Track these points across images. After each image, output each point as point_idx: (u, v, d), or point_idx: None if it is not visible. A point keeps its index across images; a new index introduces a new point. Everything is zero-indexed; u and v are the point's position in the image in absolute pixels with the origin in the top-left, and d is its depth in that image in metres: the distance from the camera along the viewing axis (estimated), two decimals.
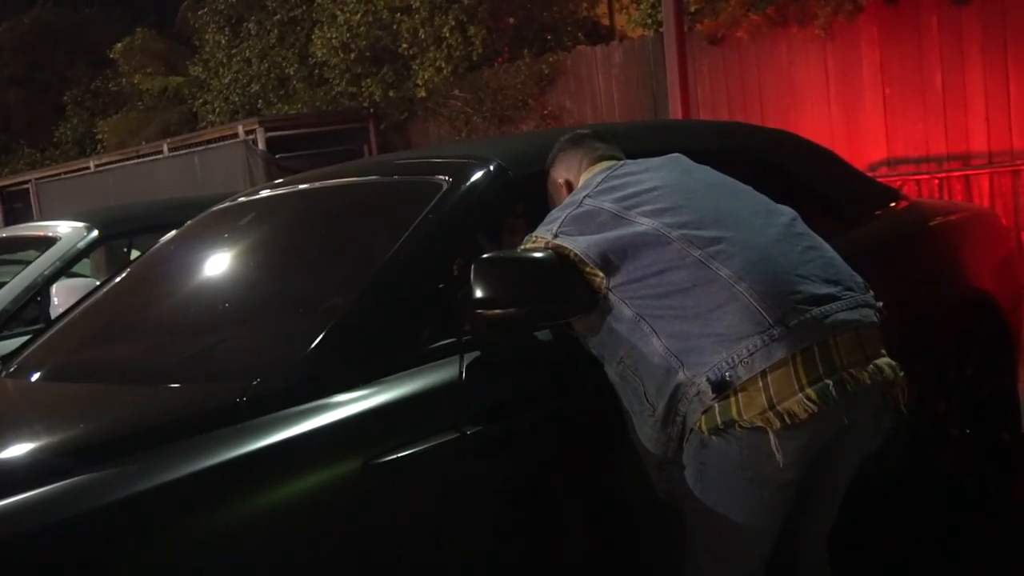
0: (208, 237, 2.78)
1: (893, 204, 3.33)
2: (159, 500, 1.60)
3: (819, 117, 7.38)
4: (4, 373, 2.47)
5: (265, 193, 2.90)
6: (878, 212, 3.23)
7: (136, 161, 12.73)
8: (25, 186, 14.64)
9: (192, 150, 11.80)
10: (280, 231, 2.68)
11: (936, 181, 6.66)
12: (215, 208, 2.95)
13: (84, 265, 4.56)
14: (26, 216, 13.80)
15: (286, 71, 12.30)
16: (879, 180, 3.99)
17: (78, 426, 1.91)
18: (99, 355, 2.47)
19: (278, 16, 12.17)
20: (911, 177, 6.72)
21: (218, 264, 2.64)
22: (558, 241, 2.01)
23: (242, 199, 2.92)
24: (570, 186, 2.25)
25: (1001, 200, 6.45)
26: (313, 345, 1.95)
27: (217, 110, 13.32)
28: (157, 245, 2.94)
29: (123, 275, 2.85)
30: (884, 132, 7.10)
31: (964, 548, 3.07)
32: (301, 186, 2.77)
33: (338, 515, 1.76)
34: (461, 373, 1.97)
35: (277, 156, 10.74)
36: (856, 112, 7.22)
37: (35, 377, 2.39)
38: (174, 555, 1.58)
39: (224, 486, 1.67)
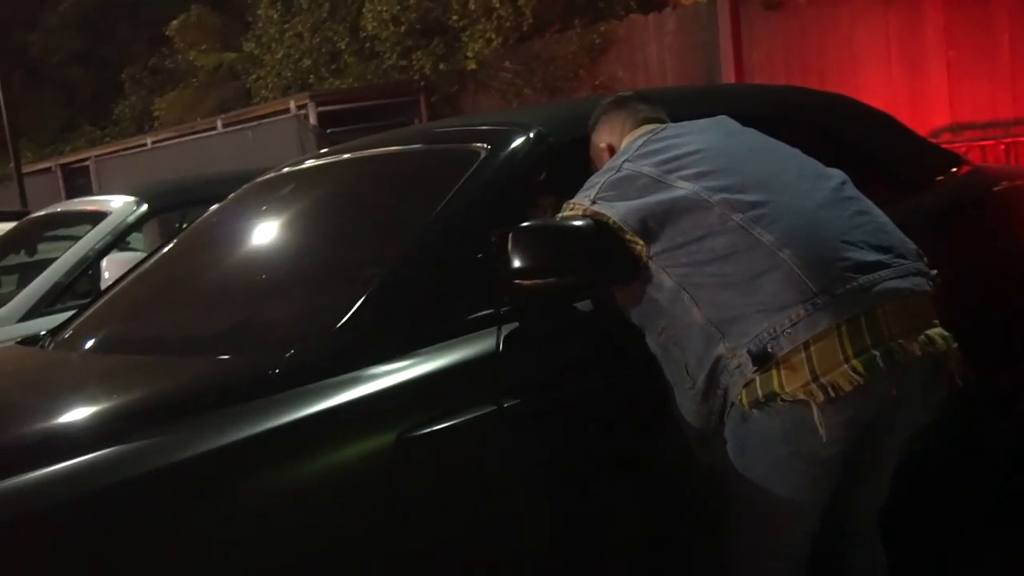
0: (249, 209, 2.80)
1: (955, 169, 3.21)
2: (188, 473, 1.61)
3: (880, 83, 7.17)
4: (52, 345, 2.51)
5: (306, 164, 2.91)
6: (940, 178, 3.11)
7: (191, 137, 12.91)
8: (86, 163, 14.97)
9: (245, 126, 11.93)
10: (319, 201, 2.68)
11: (1002, 147, 6.43)
12: (258, 180, 2.96)
13: (139, 239, 4.63)
14: (87, 192, 14.10)
15: (337, 45, 12.35)
16: (943, 146, 3.86)
17: (115, 398, 1.93)
18: (140, 327, 2.50)
19: None
20: (976, 143, 6.50)
21: (258, 235, 2.64)
22: (596, 207, 1.98)
23: (285, 170, 2.93)
24: (612, 150, 2.21)
25: None
26: (348, 316, 1.94)
27: (270, 85, 13.44)
28: (201, 218, 2.96)
29: (166, 248, 2.88)
30: (948, 97, 6.88)
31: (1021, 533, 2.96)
32: (342, 156, 2.77)
33: (372, 489, 1.75)
34: (499, 345, 1.94)
35: (329, 131, 10.79)
36: (919, 77, 7.01)
37: (80, 349, 2.43)
38: (207, 527, 1.60)
39: (255, 459, 1.67)
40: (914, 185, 2.95)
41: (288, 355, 1.86)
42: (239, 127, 12.06)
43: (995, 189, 3.24)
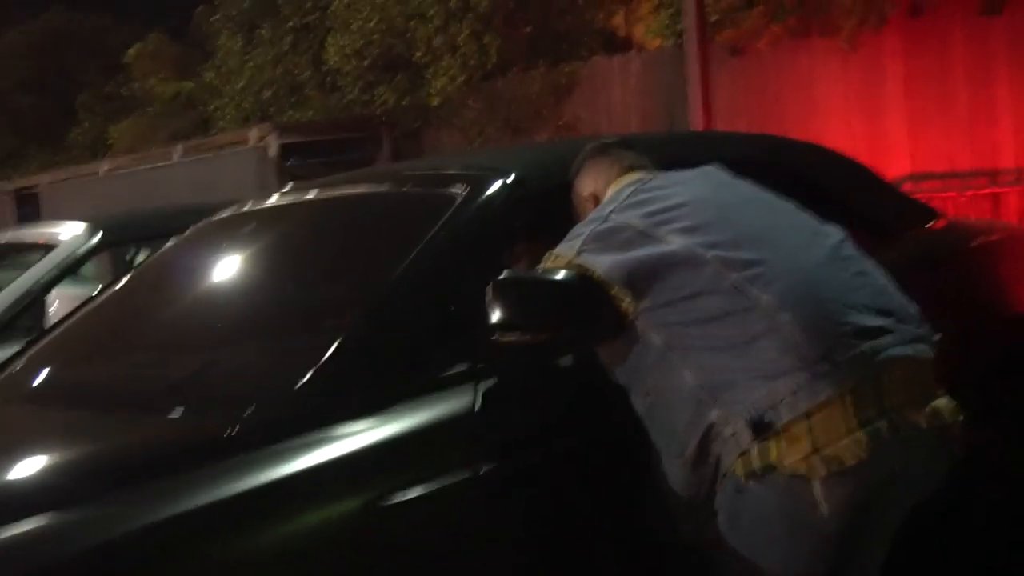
0: (208, 248, 2.68)
1: (931, 223, 3.17)
2: (132, 547, 1.48)
3: (841, 131, 7.21)
4: None
5: (269, 202, 2.80)
6: (917, 231, 3.07)
7: (147, 166, 12.66)
8: (36, 190, 14.59)
9: (203, 156, 11.72)
10: (283, 244, 2.58)
11: (964, 199, 6.48)
12: (218, 216, 2.85)
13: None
14: (38, 219, 13.75)
15: (299, 77, 12.24)
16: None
17: (45, 462, 1.78)
18: (83, 376, 2.35)
19: (292, 23, 12.12)
20: (937, 194, 6.55)
21: (216, 278, 2.54)
22: (581, 260, 1.89)
23: (247, 207, 2.82)
24: (596, 199, 2.12)
25: None
26: (313, 370, 1.84)
27: (229, 116, 13.26)
28: (154, 255, 2.85)
29: (116, 286, 2.73)
30: (908, 146, 6.93)
31: None
32: (306, 196, 2.67)
33: (335, 566, 1.64)
34: (475, 403, 1.87)
35: (289, 163, 10.66)
36: (879, 126, 7.07)
37: (14, 399, 2.27)
38: None
39: (207, 531, 1.55)
40: (891, 238, 2.90)
41: (246, 414, 1.76)
42: (197, 157, 11.85)
43: (972, 244, 3.20)
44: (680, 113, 7.57)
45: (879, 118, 7.04)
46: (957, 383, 1.99)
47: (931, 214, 3.29)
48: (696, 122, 5.84)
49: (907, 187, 6.75)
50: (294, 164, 10.57)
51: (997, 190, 6.41)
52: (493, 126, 9.78)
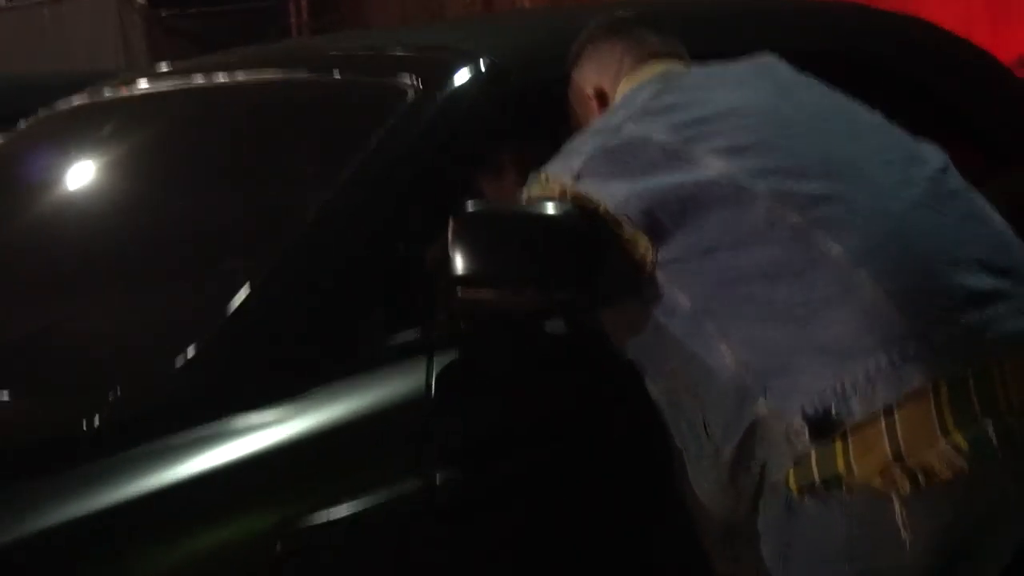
0: (46, 156, 2.70)
1: None
2: None
3: None
4: None
5: (138, 88, 2.81)
6: None
7: None
8: None
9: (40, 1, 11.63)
10: (158, 155, 2.59)
11: None
12: (59, 108, 2.87)
13: None
14: None
15: None
16: None
17: None
18: None
19: None
20: None
21: (59, 201, 2.57)
22: (582, 187, 1.92)
23: (106, 94, 2.85)
24: (604, 99, 2.15)
25: None
26: (205, 338, 1.88)
27: None
28: None
29: None
30: None
31: None
32: (195, 82, 2.70)
33: None
34: (429, 387, 1.90)
35: (164, 13, 10.62)
36: None
37: None
38: None
39: (55, 562, 1.58)
40: (1015, 162, 2.94)
41: (113, 397, 1.80)
42: (30, 2, 11.75)
43: None
44: None
45: None
46: None
47: None
48: None
49: None
50: (171, 15, 10.52)
51: None
52: None
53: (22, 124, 2.90)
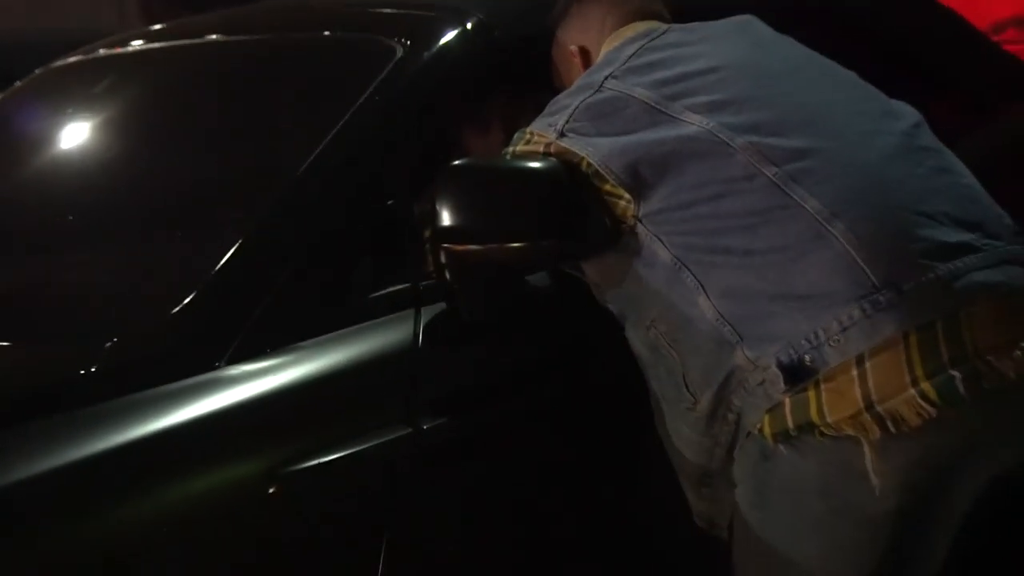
0: (46, 111, 2.70)
1: None
2: None
3: None
4: None
5: (136, 45, 2.81)
6: (1018, 105, 3.12)
7: None
8: None
9: None
10: (154, 110, 2.59)
11: None
12: (59, 63, 2.87)
13: None
14: None
15: None
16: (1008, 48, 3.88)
17: None
18: None
19: None
20: None
21: (56, 154, 2.57)
22: (565, 143, 1.92)
23: (102, 52, 2.85)
24: (587, 56, 2.16)
25: None
26: (198, 289, 1.88)
27: None
28: None
29: None
30: None
31: None
32: (188, 40, 2.70)
33: (225, 547, 1.70)
34: (416, 337, 1.92)
35: None
36: None
37: None
38: None
39: (53, 505, 1.59)
40: (984, 112, 2.98)
41: (110, 344, 1.80)
42: None
43: None
44: None
45: None
46: None
47: None
48: None
49: (1009, 34, 6.76)
50: None
51: None
52: None
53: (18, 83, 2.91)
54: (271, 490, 1.71)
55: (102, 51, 2.84)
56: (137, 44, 2.82)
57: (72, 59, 2.86)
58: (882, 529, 1.78)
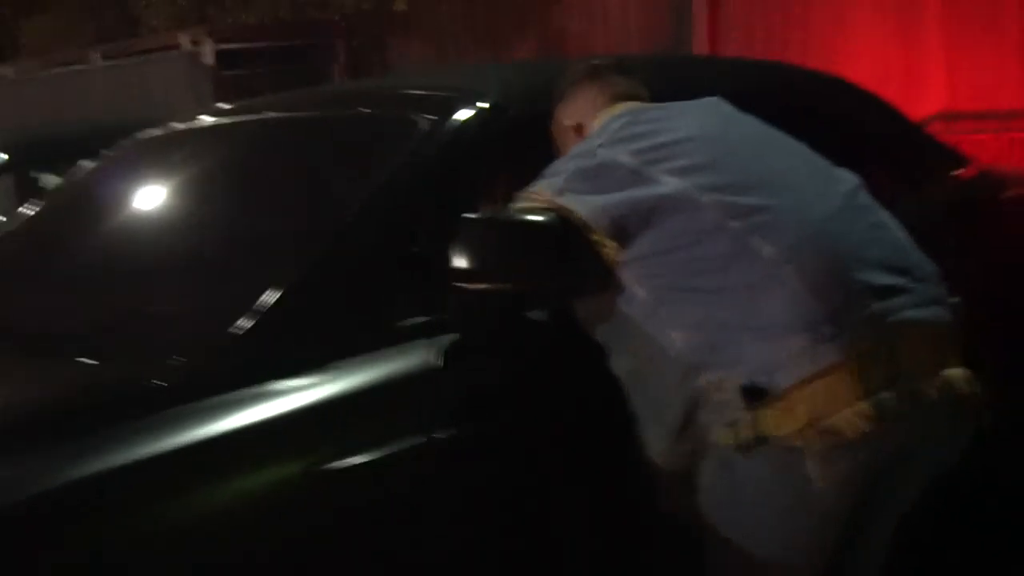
0: (133, 173, 2.70)
1: (960, 170, 3.22)
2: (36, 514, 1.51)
3: (872, 56, 7.20)
4: None
5: (205, 121, 2.81)
6: (943, 179, 3.11)
7: (62, 69, 12.48)
8: None
9: (128, 61, 11.57)
10: (219, 172, 2.58)
11: (1000, 143, 6.50)
12: (144, 136, 2.86)
13: None
14: None
15: None
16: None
17: None
18: None
19: None
20: (970, 136, 6.56)
21: (139, 208, 2.55)
22: (562, 200, 1.91)
23: (179, 127, 2.83)
24: (581, 131, 2.15)
25: None
26: (254, 317, 1.87)
27: (162, 14, 13.02)
28: (72, 178, 2.86)
29: (24, 217, 2.74)
30: (945, 78, 6.94)
31: None
32: (250, 116, 2.70)
33: (271, 534, 1.67)
34: (436, 359, 1.90)
35: (228, 73, 10.54)
36: (915, 52, 7.06)
37: None
38: None
39: (126, 496, 1.58)
40: (913, 186, 2.96)
41: (177, 363, 1.79)
42: (120, 62, 11.69)
43: (1004, 195, 3.25)
44: (688, 29, 7.54)
45: (915, 44, 7.04)
46: (983, 349, 2.06)
47: (960, 160, 3.34)
48: (701, 39, 5.83)
49: (936, 127, 6.77)
50: (233, 74, 10.45)
51: None
52: (470, 37, 9.71)
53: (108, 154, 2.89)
54: (307, 485, 1.69)
55: (179, 126, 2.83)
56: (206, 122, 2.81)
57: (156, 132, 2.85)
58: (830, 522, 1.79)
